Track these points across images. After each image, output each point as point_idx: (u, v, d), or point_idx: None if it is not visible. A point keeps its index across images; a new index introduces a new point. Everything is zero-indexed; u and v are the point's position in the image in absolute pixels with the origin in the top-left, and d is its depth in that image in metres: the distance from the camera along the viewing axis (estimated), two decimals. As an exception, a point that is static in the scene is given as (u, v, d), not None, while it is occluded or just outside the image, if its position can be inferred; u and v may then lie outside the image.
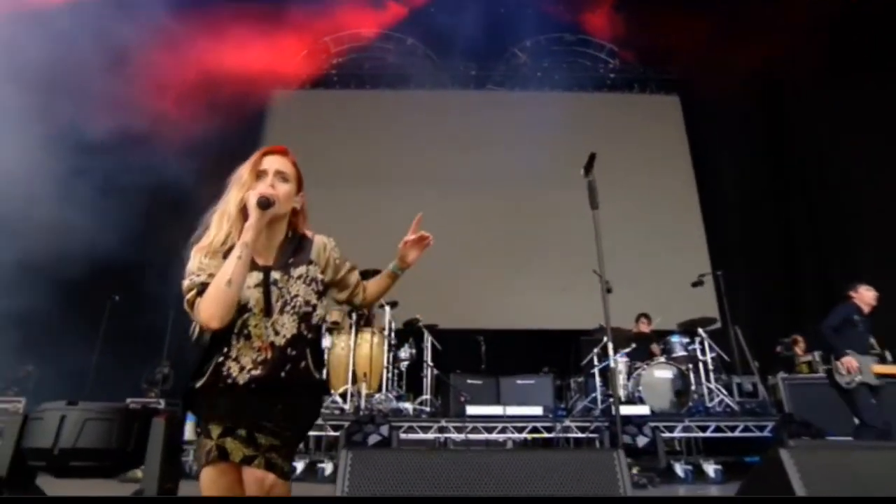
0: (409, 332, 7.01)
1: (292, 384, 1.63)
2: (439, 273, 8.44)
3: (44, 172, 5.59)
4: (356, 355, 6.52)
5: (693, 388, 5.91)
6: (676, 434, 5.20)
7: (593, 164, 3.76)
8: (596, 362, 6.46)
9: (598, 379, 6.38)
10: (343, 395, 6.28)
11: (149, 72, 6.56)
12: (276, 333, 1.65)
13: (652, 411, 5.57)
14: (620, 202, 9.29)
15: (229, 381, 1.60)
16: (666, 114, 10.43)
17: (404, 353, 6.75)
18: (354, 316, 6.47)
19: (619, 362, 6.35)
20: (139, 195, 7.02)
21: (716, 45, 8.16)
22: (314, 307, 1.73)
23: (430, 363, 6.87)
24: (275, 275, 1.69)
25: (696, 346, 6.19)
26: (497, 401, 6.24)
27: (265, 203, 1.62)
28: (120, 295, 6.33)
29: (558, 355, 7.77)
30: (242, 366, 1.62)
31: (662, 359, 6.28)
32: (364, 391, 6.22)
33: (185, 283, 1.63)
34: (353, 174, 9.37)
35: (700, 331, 6.23)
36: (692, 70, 9.40)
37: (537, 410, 5.70)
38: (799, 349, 6.90)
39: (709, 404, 5.85)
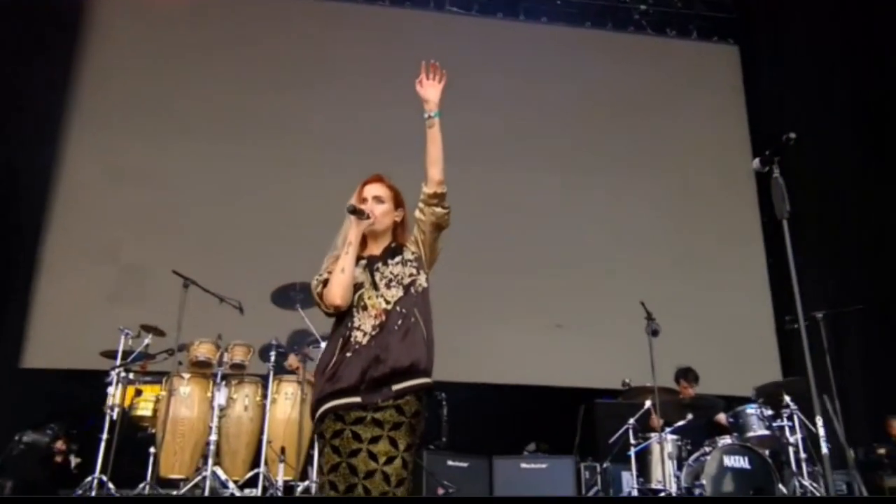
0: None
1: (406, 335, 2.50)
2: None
3: None
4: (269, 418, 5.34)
5: (779, 484, 5.32)
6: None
7: (783, 153, 2.93)
8: (632, 440, 5.77)
9: (634, 465, 5.73)
10: (246, 487, 5.17)
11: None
12: (387, 302, 2.53)
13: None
14: (638, 197, 8.78)
15: (356, 346, 2.46)
16: (717, 68, 9.93)
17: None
18: (273, 355, 5.25)
19: (668, 442, 5.72)
20: None
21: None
22: (415, 277, 2.62)
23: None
24: (378, 263, 2.63)
25: (785, 422, 5.60)
26: (489, 493, 5.67)
27: (351, 208, 2.58)
28: None
29: (559, 425, 7.01)
30: (364, 331, 2.48)
31: (729, 439, 5.65)
32: (281, 477, 5.13)
33: (314, 282, 2.61)
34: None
35: (788, 400, 5.55)
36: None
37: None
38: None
39: (804, 512, 5.14)
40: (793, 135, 2.99)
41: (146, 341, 5.50)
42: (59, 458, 5.32)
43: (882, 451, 6.36)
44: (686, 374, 6.52)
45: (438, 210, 2.65)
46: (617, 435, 5.87)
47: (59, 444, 5.28)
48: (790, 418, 5.62)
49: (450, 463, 5.41)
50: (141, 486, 5.22)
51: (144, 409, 5.46)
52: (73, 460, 5.25)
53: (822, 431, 2.70)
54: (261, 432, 5.44)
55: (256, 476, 5.22)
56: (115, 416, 5.14)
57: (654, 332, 5.80)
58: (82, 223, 7.71)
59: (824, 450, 2.75)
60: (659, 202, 8.91)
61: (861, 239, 8.20)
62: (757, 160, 3.10)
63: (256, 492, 5.08)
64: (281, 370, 5.73)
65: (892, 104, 8.68)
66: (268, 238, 7.67)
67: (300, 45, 8.88)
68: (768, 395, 5.89)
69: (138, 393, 5.36)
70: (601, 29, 9.78)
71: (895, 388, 7.38)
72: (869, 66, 9.01)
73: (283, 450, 5.28)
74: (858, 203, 8.38)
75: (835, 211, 8.49)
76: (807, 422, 5.76)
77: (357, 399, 2.40)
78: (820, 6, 9.36)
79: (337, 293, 2.50)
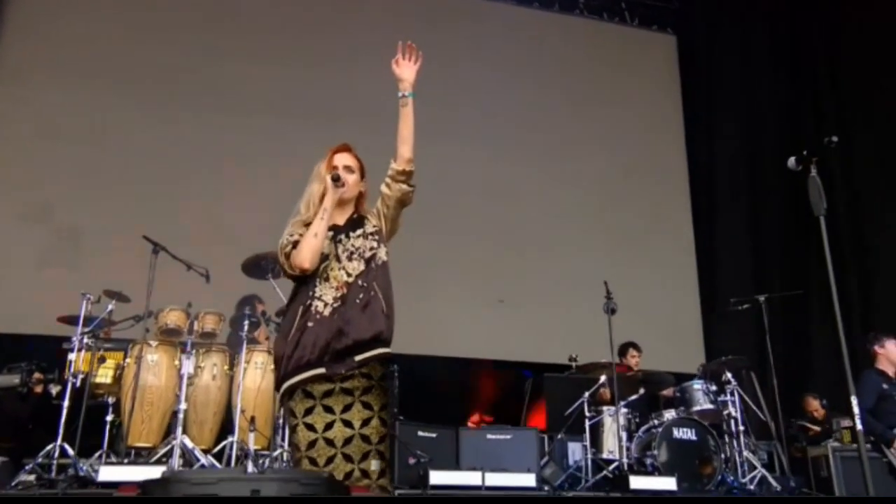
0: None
1: (366, 308, 2.65)
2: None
3: None
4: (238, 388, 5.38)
5: (720, 455, 5.85)
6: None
7: (821, 153, 3.12)
8: (587, 412, 6.07)
9: (588, 437, 6.08)
10: (219, 455, 5.17)
11: None
12: (349, 275, 2.68)
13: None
14: (578, 183, 9.18)
15: (317, 316, 2.60)
16: (655, 56, 10.42)
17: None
18: (246, 325, 5.27)
19: (620, 414, 6.11)
20: None
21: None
22: (376, 250, 2.76)
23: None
24: (341, 235, 2.76)
25: (728, 397, 6.13)
26: (455, 462, 5.82)
27: (335, 176, 2.71)
28: None
29: (505, 399, 7.55)
30: (325, 302, 2.63)
31: (673, 413, 6.13)
32: (252, 446, 5.13)
33: (282, 241, 2.72)
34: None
35: (729, 376, 6.11)
36: None
37: (527, 479, 5.43)
38: (816, 412, 7.03)
39: (743, 480, 5.72)
40: (835, 138, 3.21)
41: (110, 307, 5.37)
42: (38, 389, 5.19)
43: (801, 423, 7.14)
44: (633, 345, 7.06)
45: (405, 187, 2.79)
46: (573, 408, 6.20)
47: (37, 375, 5.14)
48: (732, 394, 6.20)
49: (420, 434, 5.62)
50: (97, 454, 5.17)
51: (103, 376, 5.35)
52: (53, 389, 5.10)
53: (856, 409, 2.89)
54: (229, 401, 5.48)
55: (226, 446, 5.26)
56: (77, 384, 5.03)
57: (612, 311, 6.22)
58: (9, 181, 7.25)
59: (857, 425, 2.92)
60: (598, 183, 9.36)
61: (787, 226, 8.99)
62: (792, 159, 3.26)
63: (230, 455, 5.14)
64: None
65: (814, 98, 9.50)
66: (225, 205, 7.53)
67: (256, 5, 8.63)
68: (712, 372, 6.47)
69: (102, 360, 5.25)
70: (548, 10, 10.07)
71: (810, 366, 8.27)
72: (795, 64, 9.82)
73: (252, 419, 5.33)
74: (784, 189, 9.10)
75: (765, 198, 9.28)
76: (746, 397, 6.41)
77: (321, 370, 2.54)
78: (753, 4, 10.11)
79: (306, 256, 2.61)
